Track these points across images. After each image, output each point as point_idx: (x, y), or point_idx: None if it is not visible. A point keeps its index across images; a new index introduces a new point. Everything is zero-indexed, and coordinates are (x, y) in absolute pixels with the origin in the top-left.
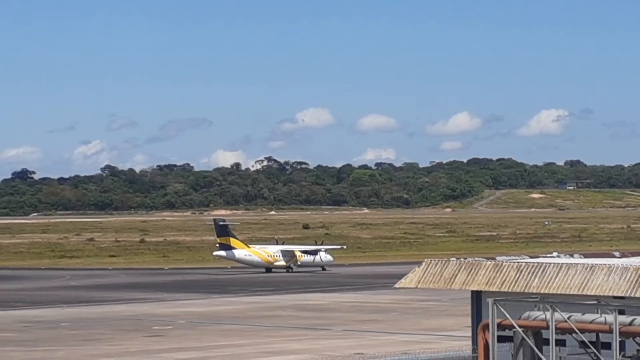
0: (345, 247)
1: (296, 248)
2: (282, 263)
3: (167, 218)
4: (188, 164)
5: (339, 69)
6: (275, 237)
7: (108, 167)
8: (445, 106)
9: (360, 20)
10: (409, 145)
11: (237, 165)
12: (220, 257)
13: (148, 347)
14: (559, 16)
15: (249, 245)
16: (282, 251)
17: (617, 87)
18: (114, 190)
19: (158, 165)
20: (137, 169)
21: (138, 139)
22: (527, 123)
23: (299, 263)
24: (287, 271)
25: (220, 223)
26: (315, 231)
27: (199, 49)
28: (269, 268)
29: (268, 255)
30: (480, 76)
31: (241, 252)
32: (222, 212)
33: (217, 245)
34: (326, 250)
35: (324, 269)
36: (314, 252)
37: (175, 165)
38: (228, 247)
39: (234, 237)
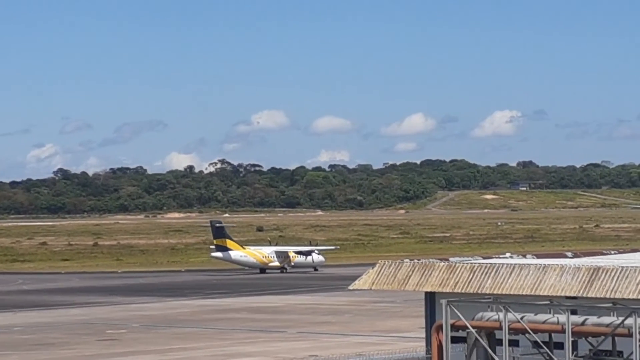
0: (338, 247)
1: (290, 249)
2: (277, 264)
3: (120, 221)
4: (141, 167)
5: (295, 70)
6: (269, 238)
7: (61, 170)
8: (400, 107)
9: (315, 23)
10: (364, 147)
11: (191, 168)
12: (217, 258)
13: (102, 351)
14: (512, 18)
15: (244, 247)
16: (277, 252)
17: (571, 88)
18: (67, 194)
19: (111, 169)
20: (91, 172)
21: (92, 142)
22: (480, 124)
23: (292, 264)
24: (281, 271)
25: (217, 225)
26: (269, 233)
27: (155, 52)
28: (263, 269)
29: (263, 256)
30: (436, 77)
31: (237, 253)
32: (176, 214)
33: (214, 246)
34: (319, 251)
35: (316, 270)
36: (307, 253)
37: (128, 169)
38: (224, 249)
39: (230, 238)
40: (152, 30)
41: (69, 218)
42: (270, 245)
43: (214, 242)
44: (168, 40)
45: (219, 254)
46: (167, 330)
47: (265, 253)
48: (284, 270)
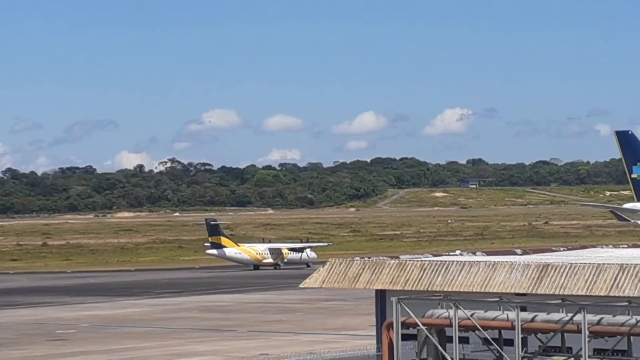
0: (330, 243)
1: (283, 246)
2: (270, 260)
3: (69, 221)
4: (91, 166)
5: (246, 69)
6: (262, 236)
7: (9, 170)
8: (351, 106)
9: (265, 21)
10: (315, 145)
11: (141, 167)
12: (212, 255)
13: (52, 352)
14: (463, 15)
15: (239, 244)
16: (270, 249)
17: (522, 86)
18: (15, 194)
19: (60, 168)
20: (40, 172)
21: (42, 142)
22: (431, 122)
23: (285, 260)
24: (275, 268)
25: (212, 223)
26: None
27: (106, 51)
28: (257, 265)
29: (257, 253)
30: (387, 75)
31: (231, 250)
32: (126, 214)
33: (209, 244)
34: (311, 248)
35: (308, 266)
36: (300, 250)
37: (77, 168)
38: (219, 246)
39: (225, 236)
40: (103, 30)
41: (17, 218)
42: (264, 242)
43: (209, 239)
44: (119, 40)
45: (214, 252)
46: (118, 330)
47: (259, 250)
48: (278, 267)
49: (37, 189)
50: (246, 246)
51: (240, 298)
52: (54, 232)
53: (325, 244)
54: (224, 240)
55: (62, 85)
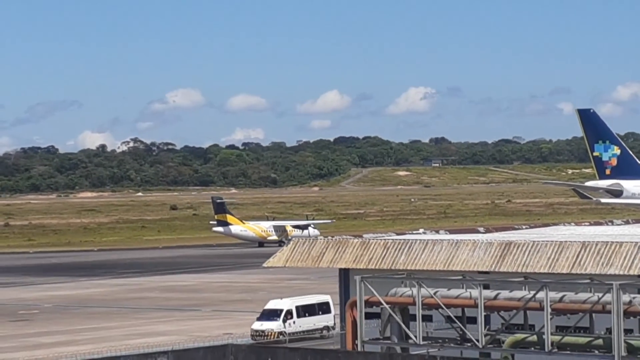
0: (334, 220)
1: (287, 223)
2: (275, 237)
3: (32, 201)
4: (53, 146)
5: (210, 48)
6: (267, 214)
7: None
8: (315, 85)
9: (228, 1)
10: (278, 125)
11: (103, 146)
12: (218, 233)
13: (14, 332)
14: None
15: (244, 222)
16: (275, 226)
17: (485, 64)
18: None
19: (22, 148)
20: (2, 152)
21: (4, 122)
22: (395, 101)
23: (290, 237)
24: (280, 245)
25: (218, 201)
26: (183, 212)
27: (69, 30)
28: (262, 242)
29: (262, 231)
30: (351, 54)
31: (237, 227)
32: (89, 194)
33: (215, 222)
34: (314, 225)
35: None
36: (304, 227)
37: (39, 148)
38: (225, 224)
39: (231, 214)
40: (65, 9)
41: None
42: (268, 220)
43: (215, 217)
44: (82, 19)
45: (220, 229)
46: (80, 310)
47: (264, 227)
48: (282, 244)
49: None
50: (251, 224)
51: (204, 277)
52: (16, 213)
53: (329, 220)
54: (229, 218)
55: (25, 65)
